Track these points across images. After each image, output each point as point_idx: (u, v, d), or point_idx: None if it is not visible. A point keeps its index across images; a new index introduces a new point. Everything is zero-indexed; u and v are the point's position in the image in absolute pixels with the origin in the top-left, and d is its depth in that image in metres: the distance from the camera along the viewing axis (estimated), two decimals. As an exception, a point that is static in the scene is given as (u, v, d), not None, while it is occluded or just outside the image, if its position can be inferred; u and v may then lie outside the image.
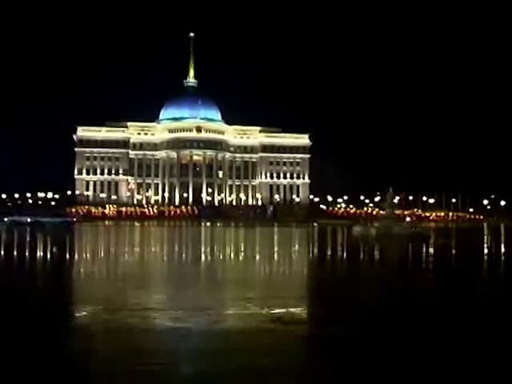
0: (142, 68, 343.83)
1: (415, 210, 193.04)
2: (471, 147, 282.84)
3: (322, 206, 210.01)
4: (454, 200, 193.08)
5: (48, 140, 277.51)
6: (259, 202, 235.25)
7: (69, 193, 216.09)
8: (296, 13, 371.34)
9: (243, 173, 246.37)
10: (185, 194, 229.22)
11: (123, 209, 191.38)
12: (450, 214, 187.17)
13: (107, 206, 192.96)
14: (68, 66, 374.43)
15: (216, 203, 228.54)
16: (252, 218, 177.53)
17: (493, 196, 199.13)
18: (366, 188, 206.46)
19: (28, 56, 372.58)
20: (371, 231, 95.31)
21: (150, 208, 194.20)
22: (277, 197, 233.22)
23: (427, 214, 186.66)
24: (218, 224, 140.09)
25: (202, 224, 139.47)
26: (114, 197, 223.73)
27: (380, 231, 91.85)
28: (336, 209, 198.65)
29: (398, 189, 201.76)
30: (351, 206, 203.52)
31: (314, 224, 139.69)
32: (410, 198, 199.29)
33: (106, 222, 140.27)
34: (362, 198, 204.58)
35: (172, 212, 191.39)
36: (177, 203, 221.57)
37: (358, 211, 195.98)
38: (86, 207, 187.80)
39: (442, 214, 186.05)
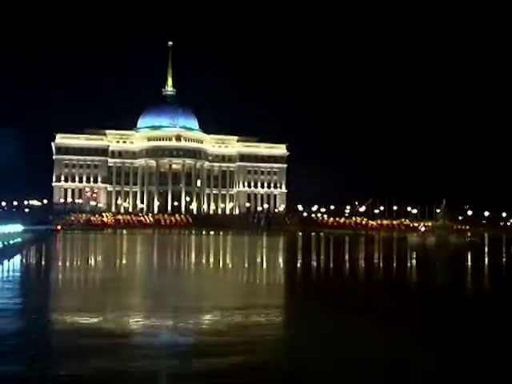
0: (120, 76, 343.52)
1: (403, 219, 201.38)
2: (453, 158, 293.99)
3: (304, 214, 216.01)
4: (437, 210, 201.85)
5: (26, 147, 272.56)
6: (237, 211, 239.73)
7: (61, 201, 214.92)
8: (273, 22, 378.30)
9: (221, 182, 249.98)
10: (175, 203, 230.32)
11: (120, 217, 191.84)
12: (434, 224, 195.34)
13: (104, 214, 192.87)
14: (47, 74, 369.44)
15: (198, 212, 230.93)
16: (246, 226, 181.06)
17: (467, 206, 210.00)
18: (345, 197, 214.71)
19: (6, 63, 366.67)
20: (429, 240, 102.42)
21: (146, 217, 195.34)
22: (266, 206, 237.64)
23: (416, 224, 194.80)
24: (221, 233, 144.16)
25: (193, 232, 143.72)
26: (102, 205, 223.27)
27: (439, 240, 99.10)
28: (326, 218, 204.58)
29: (377, 198, 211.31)
30: (338, 216, 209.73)
31: (320, 233, 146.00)
32: (395, 207, 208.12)
33: (103, 231, 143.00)
34: (347, 207, 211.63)
35: (167, 220, 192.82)
36: (155, 211, 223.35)
37: (347, 221, 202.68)
38: (86, 216, 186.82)
39: (430, 224, 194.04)
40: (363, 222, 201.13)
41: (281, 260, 54.37)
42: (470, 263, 53.75)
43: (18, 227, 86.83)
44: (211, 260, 52.40)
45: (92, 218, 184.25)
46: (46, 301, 24.93)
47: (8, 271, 38.04)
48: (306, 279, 34.53)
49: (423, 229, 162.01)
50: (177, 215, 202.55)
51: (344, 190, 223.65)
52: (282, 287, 31.07)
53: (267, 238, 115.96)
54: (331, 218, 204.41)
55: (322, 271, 41.22)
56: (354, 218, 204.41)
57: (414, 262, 54.07)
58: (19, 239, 63.61)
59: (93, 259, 52.25)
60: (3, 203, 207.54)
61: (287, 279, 35.02)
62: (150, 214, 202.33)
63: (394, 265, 49.53)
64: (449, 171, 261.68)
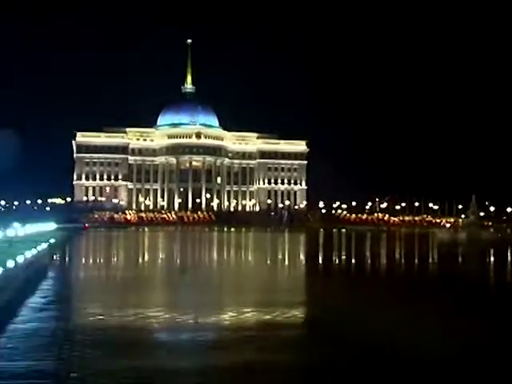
0: (139, 74, 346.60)
1: (424, 215, 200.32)
2: (474, 155, 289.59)
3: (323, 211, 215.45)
4: (460, 206, 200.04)
5: (46, 146, 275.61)
6: (257, 208, 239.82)
7: (84, 198, 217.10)
8: (292, 19, 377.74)
9: (241, 178, 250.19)
10: (197, 200, 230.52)
11: (143, 214, 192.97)
12: (460, 220, 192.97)
13: (127, 211, 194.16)
14: (66, 73, 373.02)
15: (219, 209, 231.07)
16: (269, 223, 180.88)
17: (488, 202, 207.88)
18: (365, 194, 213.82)
19: (27, 62, 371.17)
20: (459, 236, 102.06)
21: (169, 214, 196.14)
22: (287, 202, 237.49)
23: (437, 220, 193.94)
24: (243, 229, 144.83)
25: (217, 229, 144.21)
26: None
27: (471, 236, 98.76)
28: (348, 215, 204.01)
29: (396, 195, 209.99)
30: (359, 212, 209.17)
31: (342, 229, 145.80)
32: (416, 204, 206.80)
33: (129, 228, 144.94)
34: (369, 203, 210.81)
35: (190, 218, 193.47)
36: (176, 209, 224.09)
37: (369, 217, 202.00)
38: (109, 213, 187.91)
39: (452, 220, 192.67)
40: (385, 219, 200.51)
41: (319, 258, 54.29)
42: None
43: (51, 225, 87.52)
44: (246, 257, 52.94)
45: (115, 216, 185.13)
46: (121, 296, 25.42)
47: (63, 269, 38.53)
48: (348, 282, 34.23)
49: (448, 225, 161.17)
50: (199, 212, 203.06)
51: (364, 186, 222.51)
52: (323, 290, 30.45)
53: (292, 235, 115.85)
54: (353, 215, 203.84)
55: (367, 271, 40.91)
56: (375, 215, 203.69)
57: (461, 258, 53.86)
58: (53, 239, 64.20)
59: (142, 256, 52.98)
60: (28, 201, 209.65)
61: (324, 280, 34.44)
62: (173, 212, 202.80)
63: (444, 262, 49.33)
64: (470, 168, 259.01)
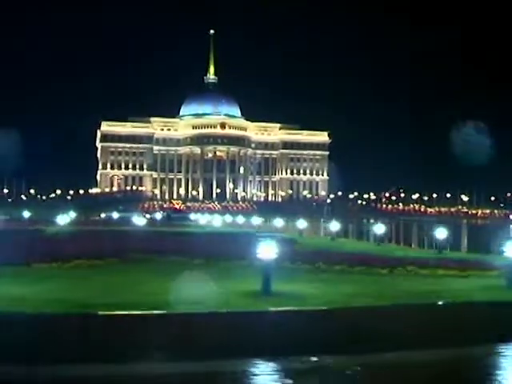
0: (162, 64, 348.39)
1: (460, 207, 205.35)
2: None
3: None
4: (493, 198, 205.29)
5: (72, 135, 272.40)
6: (279, 198, 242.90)
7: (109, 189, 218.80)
8: (316, 9, 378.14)
9: (264, 169, 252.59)
10: (236, 190, 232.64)
11: (189, 204, 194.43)
12: (496, 211, 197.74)
13: (174, 201, 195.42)
14: (91, 62, 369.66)
15: (244, 198, 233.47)
16: (309, 213, 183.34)
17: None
18: (389, 185, 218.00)
19: (52, 52, 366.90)
20: None
21: (214, 204, 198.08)
22: (323, 193, 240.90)
23: (474, 212, 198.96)
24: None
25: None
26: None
27: None
28: (384, 205, 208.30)
29: (420, 187, 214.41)
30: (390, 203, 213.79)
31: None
32: (448, 195, 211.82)
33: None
34: (402, 194, 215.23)
35: (234, 207, 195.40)
36: (200, 198, 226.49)
37: (406, 208, 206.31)
38: (158, 203, 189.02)
39: (488, 211, 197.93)
40: (421, 210, 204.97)
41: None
42: None
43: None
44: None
45: (164, 206, 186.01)
46: None
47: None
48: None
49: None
50: (240, 202, 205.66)
51: (389, 176, 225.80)
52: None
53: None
54: (390, 205, 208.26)
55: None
56: (411, 205, 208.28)
57: None
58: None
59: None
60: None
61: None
62: (216, 202, 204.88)
63: None
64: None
